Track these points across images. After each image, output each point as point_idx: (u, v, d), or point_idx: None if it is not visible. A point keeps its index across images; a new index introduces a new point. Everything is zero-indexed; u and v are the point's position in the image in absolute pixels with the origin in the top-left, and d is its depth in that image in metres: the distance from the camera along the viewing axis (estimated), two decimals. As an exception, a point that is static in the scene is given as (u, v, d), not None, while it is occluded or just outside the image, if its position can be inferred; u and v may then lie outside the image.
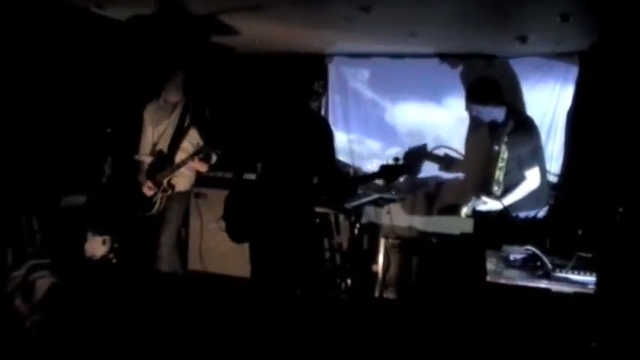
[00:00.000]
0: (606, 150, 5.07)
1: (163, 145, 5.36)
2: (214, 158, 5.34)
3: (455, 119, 6.27)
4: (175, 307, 4.73)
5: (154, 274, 5.19)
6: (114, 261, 5.22)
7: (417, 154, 6.10)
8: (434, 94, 6.38)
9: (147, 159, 5.40)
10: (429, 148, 6.19)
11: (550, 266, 3.59)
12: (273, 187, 4.57)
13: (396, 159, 4.83)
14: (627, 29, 4.73)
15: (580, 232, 4.13)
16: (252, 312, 4.52)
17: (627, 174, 4.64)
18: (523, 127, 4.82)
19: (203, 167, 5.37)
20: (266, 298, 4.58)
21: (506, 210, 4.65)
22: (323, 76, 6.66)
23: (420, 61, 6.35)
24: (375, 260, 5.66)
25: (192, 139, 5.34)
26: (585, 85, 5.66)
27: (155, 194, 5.27)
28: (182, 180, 5.37)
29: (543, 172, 4.91)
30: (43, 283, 4.36)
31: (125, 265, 5.29)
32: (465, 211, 4.79)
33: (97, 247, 5.19)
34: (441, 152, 6.18)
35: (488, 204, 4.70)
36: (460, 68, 6.21)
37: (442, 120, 6.34)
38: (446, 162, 6.20)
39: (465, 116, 6.04)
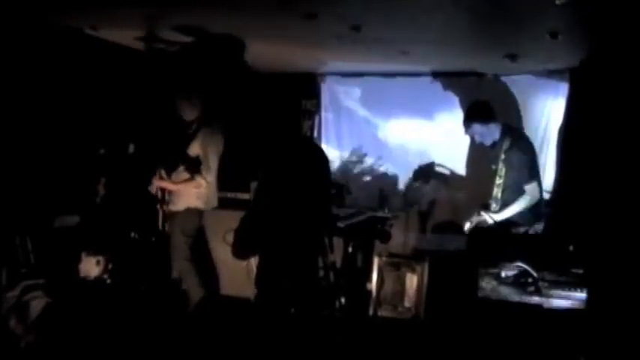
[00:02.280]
0: (598, 165, 5.11)
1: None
2: (200, 181, 5.12)
3: (444, 134, 6.36)
4: (168, 327, 4.74)
5: (146, 294, 5.20)
6: (108, 281, 5.20)
7: (426, 171, 6.19)
8: (425, 111, 6.48)
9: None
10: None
11: (540, 282, 3.61)
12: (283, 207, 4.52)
13: None
14: (616, 45, 4.78)
15: (571, 248, 4.14)
16: (248, 332, 4.52)
17: (618, 189, 4.68)
18: (518, 144, 4.85)
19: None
20: (264, 317, 4.57)
21: (497, 225, 4.70)
22: (316, 95, 6.71)
23: (412, 79, 6.44)
24: (369, 278, 5.66)
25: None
26: (576, 101, 5.70)
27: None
28: (178, 199, 5.25)
29: (540, 186, 4.94)
30: (38, 303, 4.36)
31: (119, 285, 5.28)
32: (468, 226, 4.86)
33: (91, 267, 5.16)
34: (445, 170, 6.29)
35: (488, 220, 4.74)
36: (451, 86, 6.28)
37: (433, 136, 6.44)
38: (449, 179, 6.30)
39: (452, 130, 6.11)
